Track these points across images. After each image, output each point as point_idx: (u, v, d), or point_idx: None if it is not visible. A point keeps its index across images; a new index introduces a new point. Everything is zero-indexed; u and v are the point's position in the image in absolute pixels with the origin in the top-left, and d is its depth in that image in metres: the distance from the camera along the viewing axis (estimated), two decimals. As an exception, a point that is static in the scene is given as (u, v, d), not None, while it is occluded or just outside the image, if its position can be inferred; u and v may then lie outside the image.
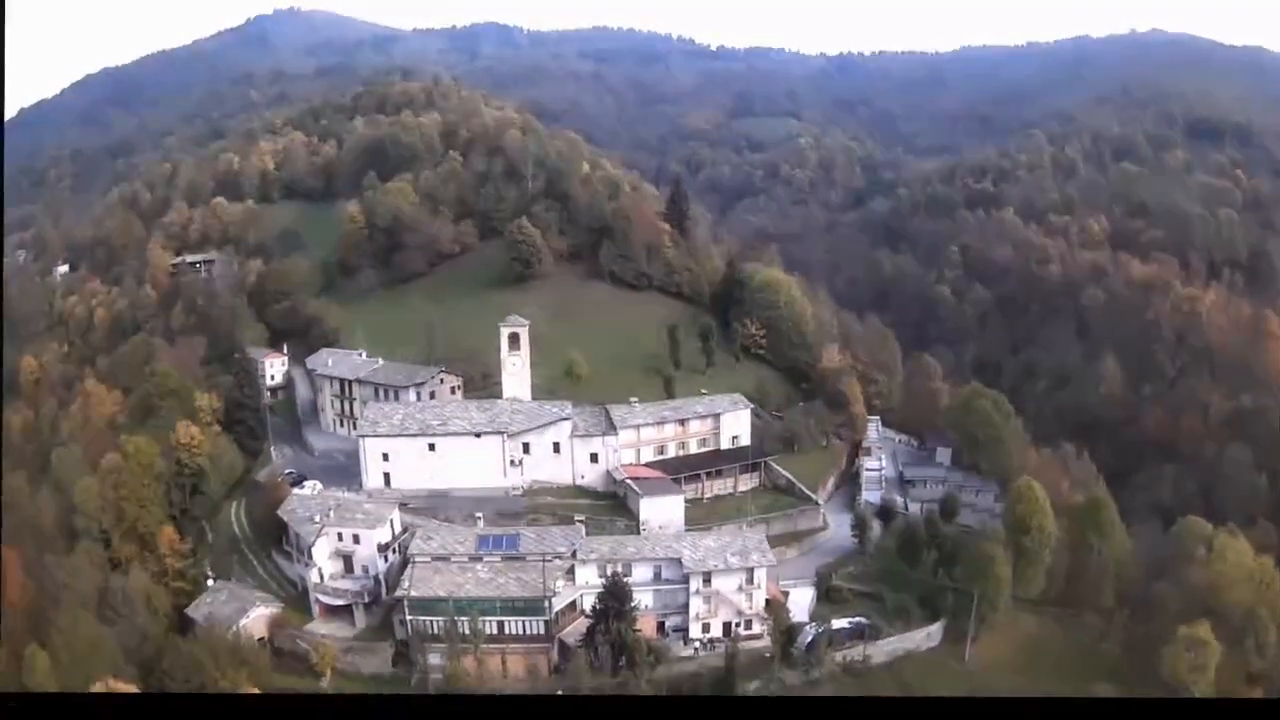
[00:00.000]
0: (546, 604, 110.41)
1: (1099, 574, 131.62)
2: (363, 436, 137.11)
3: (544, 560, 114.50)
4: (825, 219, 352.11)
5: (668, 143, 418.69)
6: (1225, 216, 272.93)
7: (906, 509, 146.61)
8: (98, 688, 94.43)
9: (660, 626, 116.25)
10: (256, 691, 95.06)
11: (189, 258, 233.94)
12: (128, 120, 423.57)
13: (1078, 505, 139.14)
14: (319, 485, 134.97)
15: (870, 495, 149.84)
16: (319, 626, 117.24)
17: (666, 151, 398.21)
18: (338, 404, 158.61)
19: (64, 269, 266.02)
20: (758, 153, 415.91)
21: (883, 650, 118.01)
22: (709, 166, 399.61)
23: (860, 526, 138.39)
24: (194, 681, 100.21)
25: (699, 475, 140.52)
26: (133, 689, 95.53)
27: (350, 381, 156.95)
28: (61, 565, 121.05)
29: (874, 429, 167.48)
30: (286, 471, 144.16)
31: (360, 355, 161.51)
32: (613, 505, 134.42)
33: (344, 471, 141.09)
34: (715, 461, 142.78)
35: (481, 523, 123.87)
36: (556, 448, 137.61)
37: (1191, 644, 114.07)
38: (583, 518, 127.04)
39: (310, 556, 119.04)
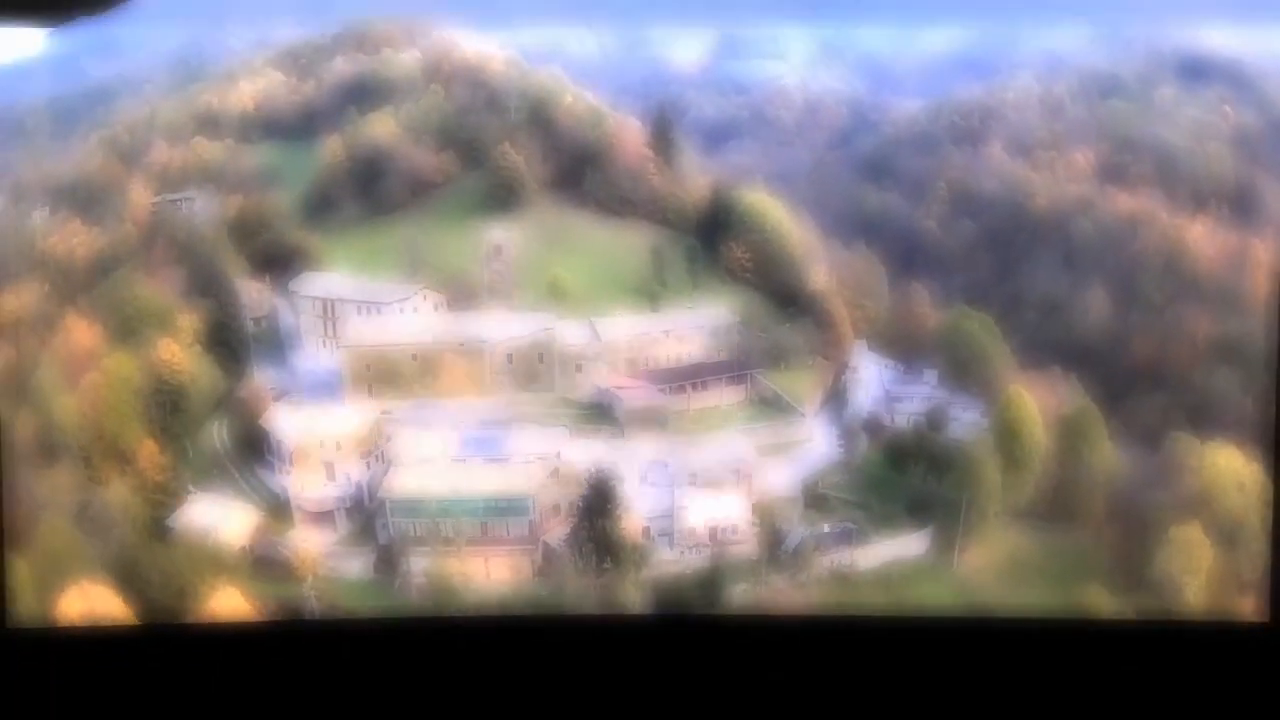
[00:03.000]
0: (530, 503, 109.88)
1: (1089, 486, 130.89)
2: (345, 347, 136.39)
3: (528, 461, 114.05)
4: (811, 159, 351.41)
5: (650, 86, 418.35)
6: (1213, 150, 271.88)
7: (893, 422, 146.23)
8: (73, 590, 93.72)
9: (645, 531, 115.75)
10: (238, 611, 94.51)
11: (169, 196, 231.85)
12: (105, 69, 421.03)
13: (1066, 415, 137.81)
14: (303, 396, 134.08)
15: (857, 409, 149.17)
16: (300, 534, 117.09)
17: (649, 95, 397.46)
18: (320, 324, 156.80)
19: (45, 213, 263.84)
20: (742, 95, 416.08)
21: (870, 556, 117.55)
22: (693, 110, 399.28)
23: (847, 437, 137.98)
24: (172, 586, 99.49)
25: (684, 387, 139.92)
26: (108, 591, 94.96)
27: (333, 301, 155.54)
28: (41, 481, 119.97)
29: (861, 350, 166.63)
30: (269, 387, 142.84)
31: (343, 276, 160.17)
32: (597, 413, 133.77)
33: (328, 388, 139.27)
34: (701, 373, 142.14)
35: (464, 428, 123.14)
36: (541, 358, 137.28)
37: (1184, 545, 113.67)
38: (566, 425, 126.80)
39: (291, 464, 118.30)
